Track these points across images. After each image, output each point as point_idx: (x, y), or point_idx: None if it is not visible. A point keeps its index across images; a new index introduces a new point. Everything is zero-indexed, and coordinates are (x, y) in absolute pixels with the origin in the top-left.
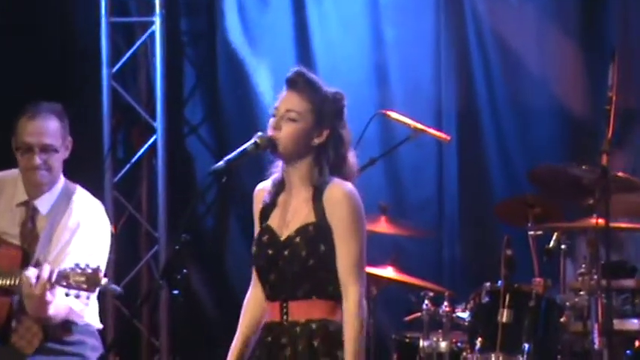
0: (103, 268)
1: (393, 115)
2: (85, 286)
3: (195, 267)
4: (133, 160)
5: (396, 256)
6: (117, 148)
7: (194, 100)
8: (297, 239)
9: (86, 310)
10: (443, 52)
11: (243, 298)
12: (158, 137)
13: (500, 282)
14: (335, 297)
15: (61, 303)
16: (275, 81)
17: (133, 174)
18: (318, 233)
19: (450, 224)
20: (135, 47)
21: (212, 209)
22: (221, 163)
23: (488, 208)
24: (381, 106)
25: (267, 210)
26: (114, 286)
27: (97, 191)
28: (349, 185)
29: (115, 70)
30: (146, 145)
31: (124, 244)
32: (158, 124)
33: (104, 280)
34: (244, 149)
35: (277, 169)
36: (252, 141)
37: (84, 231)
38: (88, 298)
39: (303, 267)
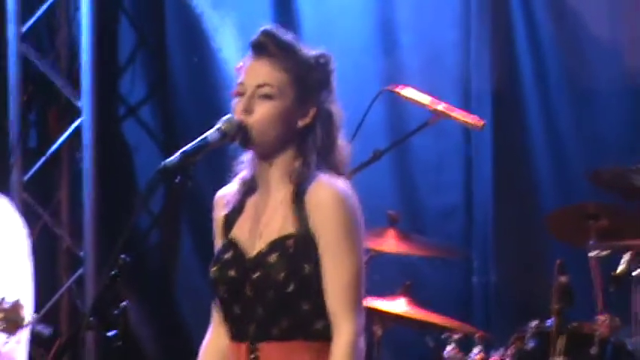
0: (26, 299)
1: (406, 92)
2: (1, 326)
3: (135, 297)
4: (50, 151)
5: (410, 283)
6: (28, 134)
7: (133, 70)
8: (272, 257)
9: (17, 350)
10: (473, 8)
11: (197, 339)
12: (84, 120)
13: (550, 320)
14: (324, 337)
15: None
16: (244, 44)
17: (49, 170)
18: (300, 249)
19: (482, 241)
20: None
21: (158, 220)
22: (174, 157)
23: (535, 221)
24: (389, 81)
25: (232, 216)
26: (41, 327)
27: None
28: (340, 183)
29: (25, 28)
30: (68, 132)
31: (38, 264)
32: (84, 102)
33: (29, 318)
34: (205, 139)
35: (244, 165)
36: (215, 128)
37: None
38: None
39: (280, 295)
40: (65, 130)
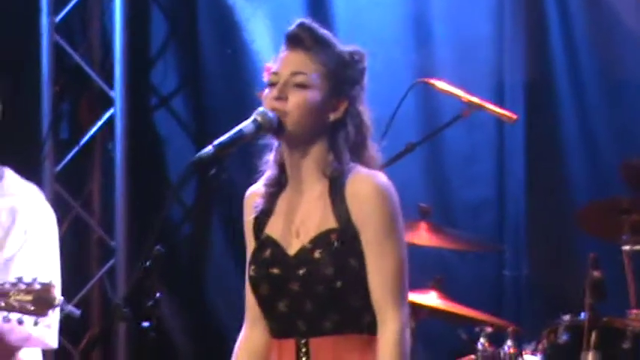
0: (57, 281)
1: (440, 84)
2: (31, 307)
3: (165, 290)
4: (82, 141)
5: (441, 277)
6: (60, 125)
7: (165, 61)
8: (317, 253)
9: (48, 335)
10: (507, 2)
11: (228, 332)
12: (116, 111)
13: (583, 314)
14: (374, 331)
15: (15, 329)
16: (276, 35)
17: (81, 161)
18: (344, 243)
19: (514, 234)
20: None
21: (190, 212)
22: (209, 148)
23: (567, 214)
24: (421, 74)
25: (262, 217)
26: (71, 308)
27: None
28: (380, 175)
29: (58, 19)
30: (100, 122)
31: (69, 255)
32: (116, 93)
33: (59, 299)
34: (240, 131)
35: (269, 164)
36: (250, 119)
37: (22, 226)
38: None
39: (330, 290)
40: (97, 121)
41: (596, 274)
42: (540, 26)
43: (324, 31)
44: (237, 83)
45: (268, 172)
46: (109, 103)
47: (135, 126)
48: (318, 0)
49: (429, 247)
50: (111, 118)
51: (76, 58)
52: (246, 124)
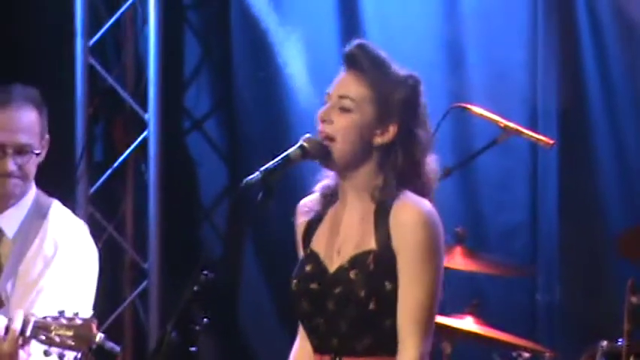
0: (94, 317)
1: (477, 109)
2: (72, 342)
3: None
4: (116, 164)
5: (478, 301)
6: (94, 147)
7: (198, 84)
8: (352, 273)
9: None
10: (541, 27)
11: (259, 358)
12: (150, 133)
13: (621, 340)
14: None
15: None
16: (310, 59)
17: (114, 183)
18: (380, 266)
19: (547, 259)
20: (120, 12)
21: (221, 236)
22: (256, 174)
23: (601, 240)
24: (455, 99)
25: (311, 227)
26: (111, 344)
27: (65, 206)
28: (427, 204)
29: (93, 42)
30: (133, 145)
31: (101, 277)
32: (150, 115)
33: (99, 336)
34: (286, 156)
35: (328, 174)
36: (297, 145)
37: (64, 261)
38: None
39: (362, 312)
40: (131, 144)
41: (634, 299)
42: (574, 52)
43: (380, 52)
44: (270, 107)
45: (326, 180)
46: (142, 125)
47: (168, 149)
48: (352, 25)
49: (464, 271)
50: (144, 141)
51: (110, 80)
52: (293, 150)
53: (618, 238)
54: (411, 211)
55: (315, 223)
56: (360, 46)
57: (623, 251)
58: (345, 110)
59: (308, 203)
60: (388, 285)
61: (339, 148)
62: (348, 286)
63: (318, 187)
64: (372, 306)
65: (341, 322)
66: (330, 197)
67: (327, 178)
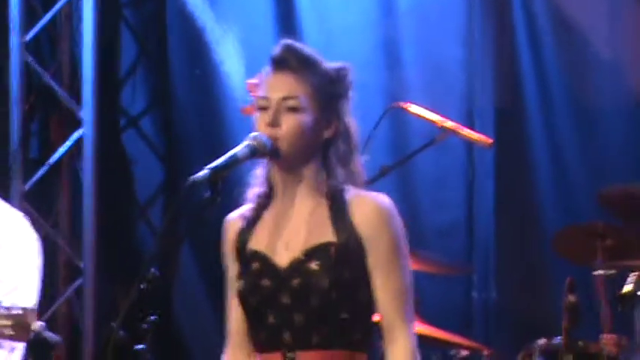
0: (35, 307)
1: (415, 109)
2: (10, 332)
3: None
4: (51, 161)
5: (415, 299)
6: (29, 144)
7: (135, 82)
8: (313, 264)
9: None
10: (477, 26)
11: (194, 355)
12: (85, 131)
13: (558, 338)
14: (361, 348)
15: None
16: (247, 57)
17: (50, 180)
18: (342, 257)
19: (483, 258)
20: (55, 9)
21: (157, 234)
22: (203, 172)
23: (537, 238)
24: (392, 97)
25: (245, 233)
26: (51, 334)
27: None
28: (384, 196)
29: (28, 38)
30: (69, 142)
31: None
32: (86, 112)
33: (37, 325)
34: (234, 155)
35: (258, 179)
36: (244, 144)
37: (6, 252)
38: (12, 350)
39: (324, 303)
40: (66, 141)
41: (572, 298)
42: (510, 51)
43: (309, 51)
44: (206, 104)
45: (256, 188)
46: (78, 123)
47: (103, 146)
48: (289, 23)
49: None
50: (80, 138)
51: (46, 77)
52: (240, 148)
53: (553, 237)
54: (374, 205)
55: (250, 228)
56: (288, 47)
57: (558, 250)
58: (293, 110)
59: (236, 216)
60: (347, 275)
61: (290, 148)
62: (309, 277)
63: (249, 195)
64: (334, 295)
65: (295, 316)
66: (264, 202)
67: (255, 186)
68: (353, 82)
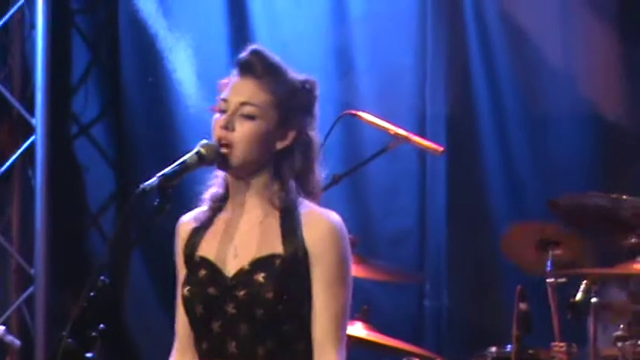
0: None
1: (367, 117)
2: None
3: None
4: (2, 168)
5: (367, 308)
6: None
7: (86, 89)
8: (260, 276)
9: None
10: (429, 33)
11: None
12: (37, 138)
13: (509, 346)
14: (305, 358)
15: None
16: (199, 65)
17: (0, 188)
18: (288, 270)
19: (435, 266)
20: (7, 15)
21: (111, 242)
22: (153, 180)
23: (489, 246)
24: (344, 105)
25: (196, 237)
26: (11, 337)
27: None
28: (336, 215)
29: None
30: (20, 149)
31: None
32: (37, 120)
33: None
34: (184, 162)
35: (216, 181)
36: (194, 151)
37: None
38: None
39: (269, 314)
40: (17, 148)
41: (523, 306)
42: (462, 58)
43: (276, 59)
44: (158, 112)
45: (213, 189)
46: (29, 130)
47: (55, 153)
48: (241, 31)
49: (353, 277)
50: (31, 146)
51: None
52: (189, 156)
53: (502, 237)
54: (325, 222)
55: (201, 232)
56: (256, 52)
57: (507, 251)
58: (248, 117)
59: (188, 219)
60: (293, 288)
61: (239, 155)
62: (254, 288)
63: (205, 196)
64: (279, 307)
65: (241, 325)
66: (219, 204)
67: (214, 187)
68: (318, 97)
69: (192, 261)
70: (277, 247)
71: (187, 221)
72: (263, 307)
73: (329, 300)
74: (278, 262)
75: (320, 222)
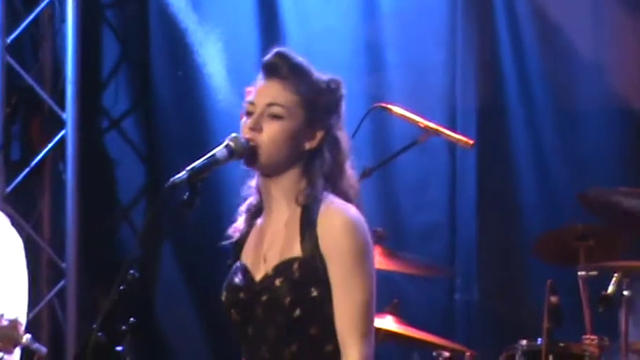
0: (23, 318)
1: (397, 110)
2: None
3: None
4: (33, 163)
5: (398, 302)
6: (10, 145)
7: (117, 84)
8: (278, 281)
9: None
10: (459, 28)
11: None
12: (67, 132)
13: (540, 339)
14: (336, 358)
15: None
16: (229, 59)
17: (31, 182)
18: (307, 273)
19: (465, 259)
20: (38, 10)
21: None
22: (182, 174)
23: (519, 240)
24: (374, 100)
25: (240, 243)
26: (38, 345)
27: None
28: (352, 210)
29: (10, 40)
30: (51, 144)
31: None
32: (68, 114)
33: (26, 337)
34: (213, 156)
35: (252, 189)
36: (223, 145)
37: None
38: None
39: (288, 320)
40: (48, 142)
41: (553, 299)
42: (492, 52)
43: (300, 60)
44: (188, 106)
45: (250, 199)
46: (60, 124)
47: (86, 148)
48: (271, 25)
49: (384, 271)
50: (62, 140)
51: (28, 79)
52: (219, 149)
53: (535, 243)
54: (338, 217)
55: (243, 238)
56: (280, 55)
57: (539, 254)
58: (275, 117)
59: (233, 228)
60: (314, 291)
61: (268, 154)
62: (274, 293)
63: (242, 208)
64: (297, 313)
65: (269, 329)
66: (255, 211)
67: (250, 197)
68: (344, 96)
69: (235, 265)
70: (296, 250)
71: (232, 230)
72: (282, 312)
73: (346, 295)
74: (296, 266)
75: (332, 218)
